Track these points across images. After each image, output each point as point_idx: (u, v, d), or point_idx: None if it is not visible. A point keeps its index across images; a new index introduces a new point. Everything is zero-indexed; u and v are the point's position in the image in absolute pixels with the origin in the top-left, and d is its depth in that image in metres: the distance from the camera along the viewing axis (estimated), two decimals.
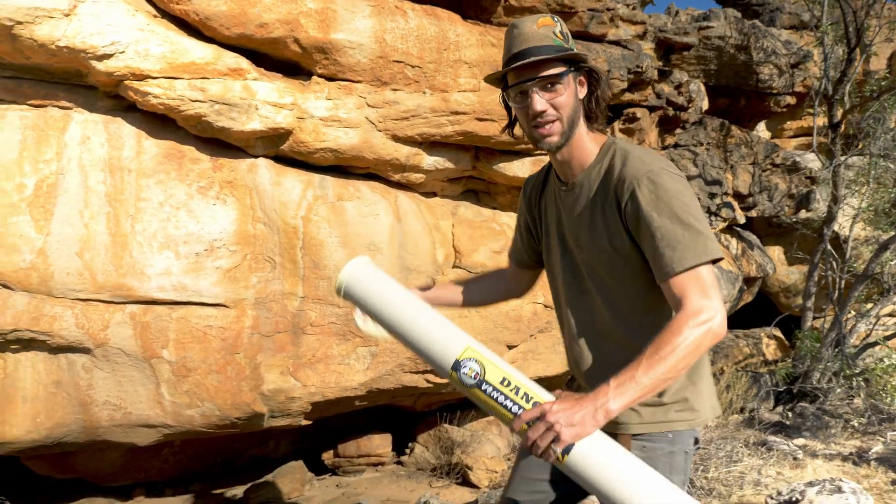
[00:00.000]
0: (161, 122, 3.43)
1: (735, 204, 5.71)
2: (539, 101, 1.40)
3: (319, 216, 3.55)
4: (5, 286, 3.20)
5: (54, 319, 3.22)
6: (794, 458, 4.35)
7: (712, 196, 5.30)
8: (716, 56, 5.68)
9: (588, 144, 1.50)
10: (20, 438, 3.29)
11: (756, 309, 7.89)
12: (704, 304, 1.27)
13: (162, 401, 3.43)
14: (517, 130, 1.57)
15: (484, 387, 1.33)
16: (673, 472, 1.48)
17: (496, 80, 1.49)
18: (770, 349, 7.98)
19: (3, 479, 4.68)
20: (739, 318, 7.58)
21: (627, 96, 4.49)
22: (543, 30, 1.41)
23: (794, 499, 3.18)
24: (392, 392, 3.79)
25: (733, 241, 6.23)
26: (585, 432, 1.22)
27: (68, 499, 4.69)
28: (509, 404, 1.30)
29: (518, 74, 1.42)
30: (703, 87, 5.51)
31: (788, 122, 8.91)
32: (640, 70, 4.21)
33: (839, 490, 3.07)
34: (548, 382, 4.28)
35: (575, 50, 1.43)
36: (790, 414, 5.32)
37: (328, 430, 5.44)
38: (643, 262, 1.41)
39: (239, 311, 3.45)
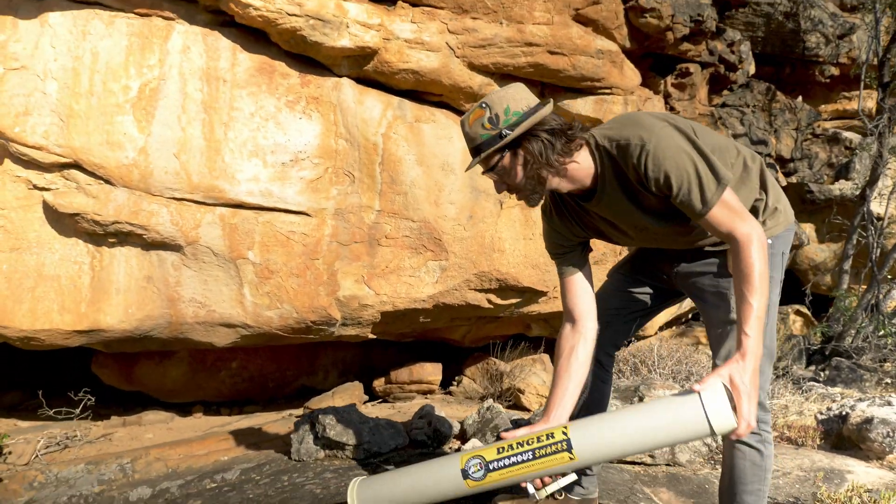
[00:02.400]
0: (254, 38, 3.63)
1: (777, 168, 5.85)
2: (497, 185, 1.67)
3: (398, 134, 3.74)
4: (108, 182, 3.42)
5: (151, 215, 3.43)
6: (833, 400, 4.51)
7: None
8: (764, 23, 5.82)
9: (581, 163, 1.63)
10: (113, 327, 3.51)
11: (783, 286, 8.02)
12: (746, 227, 1.49)
13: (244, 301, 3.64)
14: None
15: (492, 465, 1.49)
16: (774, 270, 1.72)
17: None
18: (797, 325, 8.11)
19: (71, 389, 4.91)
20: None
21: (685, 46, 4.65)
22: (474, 126, 1.60)
23: (844, 413, 3.33)
24: (455, 309, 3.97)
25: None
26: (757, 374, 1.44)
27: (131, 412, 4.91)
28: (518, 458, 1.47)
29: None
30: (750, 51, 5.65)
31: (822, 105, 9.02)
32: (700, 19, 4.36)
33: (889, 404, 3.22)
34: None
35: (502, 130, 1.55)
36: (823, 373, 5.47)
37: (372, 367, 5.66)
38: None
39: (319, 220, 3.65)
